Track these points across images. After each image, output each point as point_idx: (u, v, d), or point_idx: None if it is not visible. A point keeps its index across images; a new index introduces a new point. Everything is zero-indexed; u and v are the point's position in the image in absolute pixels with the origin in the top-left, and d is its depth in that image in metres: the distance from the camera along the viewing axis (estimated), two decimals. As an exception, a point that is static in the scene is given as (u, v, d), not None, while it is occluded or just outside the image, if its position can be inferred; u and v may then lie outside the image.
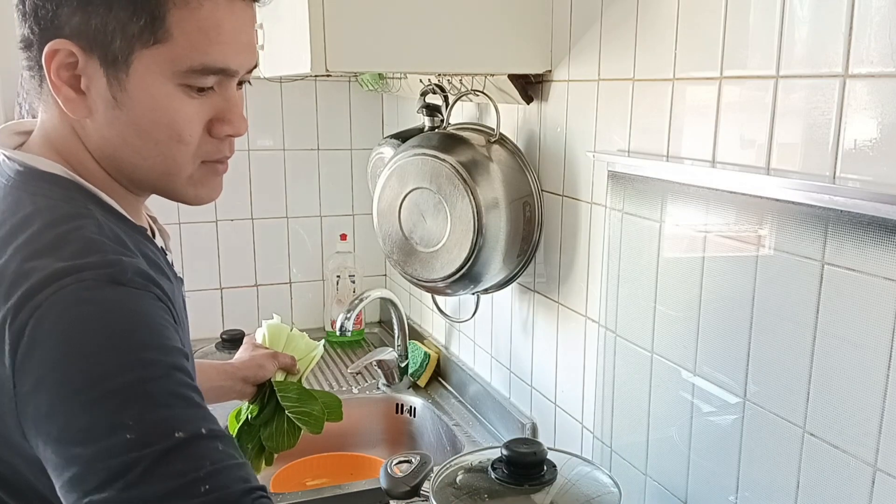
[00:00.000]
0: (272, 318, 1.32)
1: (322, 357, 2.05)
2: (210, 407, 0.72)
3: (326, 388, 1.87)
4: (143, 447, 0.64)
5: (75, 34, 0.71)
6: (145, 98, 0.73)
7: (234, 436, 1.20)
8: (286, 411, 1.19)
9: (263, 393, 1.21)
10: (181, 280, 0.91)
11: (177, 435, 0.65)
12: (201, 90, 0.76)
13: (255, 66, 0.81)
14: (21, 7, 0.74)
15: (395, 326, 1.87)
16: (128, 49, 0.71)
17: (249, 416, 1.21)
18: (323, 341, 1.32)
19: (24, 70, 0.77)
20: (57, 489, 0.67)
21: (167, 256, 0.87)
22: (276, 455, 1.23)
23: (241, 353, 1.25)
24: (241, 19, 0.76)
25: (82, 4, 0.70)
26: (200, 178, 0.81)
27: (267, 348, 1.26)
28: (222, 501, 0.66)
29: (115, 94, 0.73)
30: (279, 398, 1.19)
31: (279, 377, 1.23)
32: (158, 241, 0.89)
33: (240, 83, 0.81)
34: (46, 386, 0.65)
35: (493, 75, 1.39)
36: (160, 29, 0.71)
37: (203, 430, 0.67)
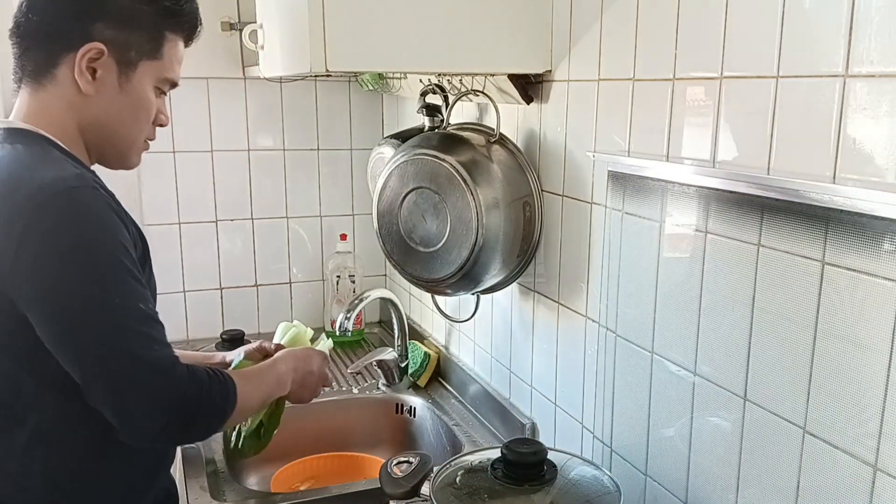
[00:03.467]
0: (292, 322, 1.39)
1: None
2: None
3: (327, 388, 1.87)
4: (127, 310, 0.97)
5: (106, 40, 1.05)
6: (139, 90, 1.10)
7: None
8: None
9: None
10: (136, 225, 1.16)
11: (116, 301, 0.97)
12: (161, 92, 1.14)
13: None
14: (56, 12, 1.05)
15: (395, 326, 1.87)
16: (138, 58, 1.09)
17: None
18: (330, 340, 1.37)
19: (24, 56, 1.07)
20: (48, 343, 0.97)
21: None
22: (274, 433, 1.32)
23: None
24: (182, 52, 1.16)
25: (118, 25, 1.06)
26: (140, 150, 1.17)
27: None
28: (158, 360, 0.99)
29: (121, 84, 1.08)
30: None
31: None
32: None
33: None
34: (49, 259, 0.95)
35: (493, 75, 1.39)
36: (158, 51, 1.11)
37: (142, 306, 0.99)
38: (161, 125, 1.17)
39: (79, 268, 0.95)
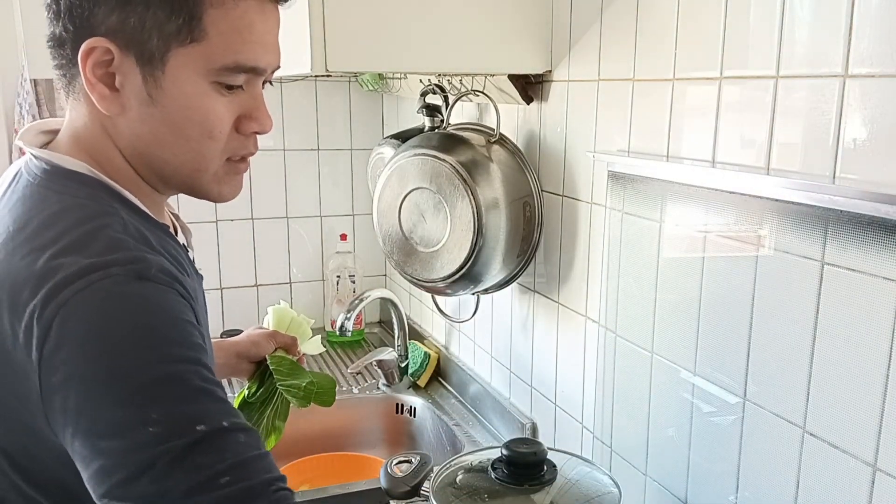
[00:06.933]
0: (279, 303, 1.33)
1: (322, 357, 2.07)
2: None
3: (327, 388, 1.87)
4: (168, 441, 0.66)
5: (112, 32, 0.73)
6: (180, 95, 0.75)
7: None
8: (276, 383, 1.19)
9: (262, 371, 1.22)
10: (201, 277, 0.92)
11: (199, 428, 0.67)
12: (230, 88, 0.78)
13: (279, 67, 0.84)
14: (54, 6, 0.75)
15: (395, 326, 1.87)
16: (164, 47, 0.74)
17: (247, 394, 1.22)
18: (319, 337, 1.33)
19: (54, 69, 0.79)
20: (84, 480, 0.68)
21: (189, 254, 0.89)
22: (281, 433, 1.24)
23: (241, 335, 1.26)
24: (270, 20, 0.79)
25: (120, 3, 0.72)
26: (223, 175, 0.83)
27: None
28: (243, 493, 0.68)
29: (150, 92, 0.75)
30: (272, 371, 1.19)
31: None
32: (181, 238, 0.90)
33: (263, 82, 0.83)
34: (76, 381, 0.67)
35: (493, 75, 1.39)
36: (197, 28, 0.74)
37: (225, 424, 0.69)
38: (256, 133, 0.82)
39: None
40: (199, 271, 0.92)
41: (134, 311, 0.69)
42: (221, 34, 0.75)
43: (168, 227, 0.85)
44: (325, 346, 1.35)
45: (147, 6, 0.73)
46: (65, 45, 0.76)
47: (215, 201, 0.86)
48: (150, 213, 0.82)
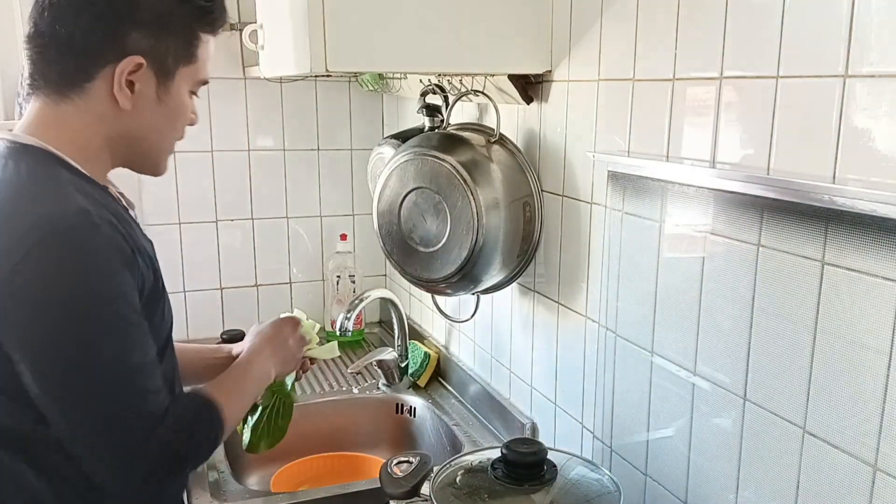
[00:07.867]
0: (292, 311, 1.37)
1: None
2: None
3: (327, 388, 1.87)
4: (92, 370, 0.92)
5: (143, 51, 1.00)
6: (177, 98, 1.06)
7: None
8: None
9: None
10: (150, 242, 1.12)
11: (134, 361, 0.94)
12: (193, 94, 1.11)
13: None
14: (91, 24, 0.97)
15: (395, 326, 1.87)
16: (175, 65, 1.04)
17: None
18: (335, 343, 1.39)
19: (56, 70, 1.00)
20: (32, 390, 0.93)
21: (129, 212, 1.10)
22: (284, 432, 1.33)
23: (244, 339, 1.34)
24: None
25: (154, 33, 1.00)
26: (170, 154, 1.14)
27: None
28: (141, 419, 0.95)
29: (159, 95, 1.04)
30: None
31: None
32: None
33: None
34: (33, 317, 0.91)
35: (493, 75, 1.39)
36: (194, 55, 1.06)
37: (134, 360, 0.95)
38: (192, 124, 1.14)
39: (67, 327, 0.91)
40: (147, 235, 1.11)
41: (83, 258, 0.92)
42: (202, 59, 1.07)
43: (106, 187, 1.06)
44: (340, 352, 1.43)
45: (172, 37, 1.02)
46: (88, 55, 0.99)
47: (157, 175, 1.13)
48: (90, 176, 1.02)
